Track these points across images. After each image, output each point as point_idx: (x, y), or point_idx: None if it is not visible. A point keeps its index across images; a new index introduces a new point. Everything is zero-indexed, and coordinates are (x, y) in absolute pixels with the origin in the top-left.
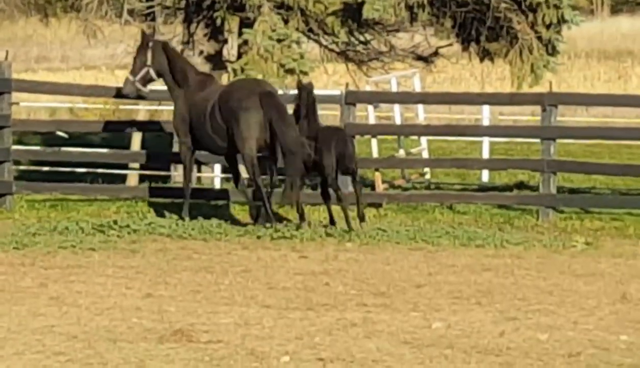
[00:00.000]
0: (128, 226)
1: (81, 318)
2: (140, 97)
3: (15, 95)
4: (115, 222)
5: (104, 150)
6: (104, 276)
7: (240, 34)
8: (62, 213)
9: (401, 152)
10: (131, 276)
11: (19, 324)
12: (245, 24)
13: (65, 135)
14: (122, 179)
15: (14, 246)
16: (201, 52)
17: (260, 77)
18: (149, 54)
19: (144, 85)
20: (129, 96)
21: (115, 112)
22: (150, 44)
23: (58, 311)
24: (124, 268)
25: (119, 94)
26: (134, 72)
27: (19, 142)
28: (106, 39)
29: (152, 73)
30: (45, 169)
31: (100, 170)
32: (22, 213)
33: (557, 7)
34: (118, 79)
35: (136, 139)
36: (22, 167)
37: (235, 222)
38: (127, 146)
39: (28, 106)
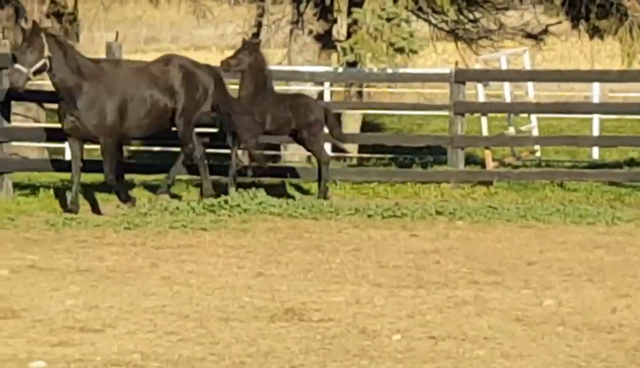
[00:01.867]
0: (239, 206)
1: (193, 298)
2: None
3: None
4: (226, 202)
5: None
6: (215, 256)
7: (349, 13)
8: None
9: (511, 130)
10: (242, 255)
11: (130, 304)
12: (355, 3)
13: None
14: None
15: (125, 226)
16: (310, 32)
17: (369, 55)
18: None
19: None
20: None
21: None
22: None
23: (169, 291)
24: (235, 248)
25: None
26: None
27: None
28: (215, 19)
29: None
30: (156, 149)
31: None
32: (133, 193)
33: None
34: None
35: None
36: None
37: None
38: None
39: None
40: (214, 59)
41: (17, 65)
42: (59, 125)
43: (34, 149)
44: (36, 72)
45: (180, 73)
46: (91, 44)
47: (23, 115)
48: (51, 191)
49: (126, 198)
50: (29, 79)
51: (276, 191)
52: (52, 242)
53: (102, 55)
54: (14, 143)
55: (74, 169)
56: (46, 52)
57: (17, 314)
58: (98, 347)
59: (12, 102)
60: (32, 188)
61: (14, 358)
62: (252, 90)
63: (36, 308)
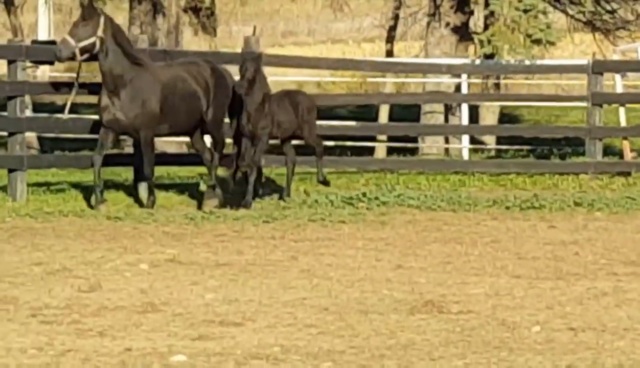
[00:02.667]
0: (377, 198)
1: (332, 291)
2: None
3: (264, 70)
4: (364, 194)
5: (352, 123)
6: (353, 248)
7: (486, 5)
8: (311, 186)
9: None
10: (381, 248)
11: (270, 297)
12: None
13: None
14: (370, 151)
15: (263, 220)
16: (447, 24)
17: (506, 47)
18: None
19: None
20: None
21: (362, 84)
22: None
23: (309, 283)
24: (374, 240)
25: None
26: None
27: None
28: (352, 12)
29: None
30: (295, 142)
31: (348, 143)
32: (271, 187)
33: None
34: (365, 51)
35: (384, 111)
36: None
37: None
38: (374, 118)
39: (276, 80)
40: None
41: (67, 36)
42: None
43: (172, 144)
44: (84, 50)
45: (214, 74)
46: (228, 38)
47: None
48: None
49: (154, 198)
50: (74, 54)
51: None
52: (191, 236)
53: (239, 50)
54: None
55: (97, 163)
56: (100, 32)
57: (157, 308)
58: (238, 341)
59: None
60: (171, 183)
61: (155, 352)
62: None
63: (176, 302)
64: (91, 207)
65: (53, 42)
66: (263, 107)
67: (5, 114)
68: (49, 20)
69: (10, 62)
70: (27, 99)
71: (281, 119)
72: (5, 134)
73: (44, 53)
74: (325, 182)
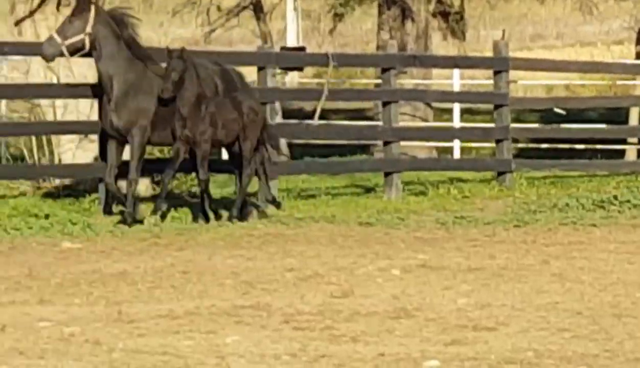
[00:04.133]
0: (628, 201)
1: (584, 294)
2: None
3: (512, 73)
4: (615, 198)
5: (602, 126)
6: (605, 252)
7: None
8: (562, 189)
9: None
10: (633, 251)
11: (522, 301)
12: None
13: (563, 112)
14: (621, 153)
15: (514, 224)
16: None
17: None
18: None
19: None
20: None
21: (612, 87)
22: None
23: (561, 287)
24: (626, 244)
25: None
26: None
27: (517, 120)
28: (601, 15)
29: None
30: (544, 146)
31: (598, 146)
32: (522, 190)
33: None
34: (614, 54)
35: (634, 113)
36: (520, 145)
37: None
38: (624, 121)
39: (524, 84)
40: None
41: (54, 33)
42: (446, 124)
43: (422, 148)
44: (74, 49)
45: (223, 75)
46: (477, 43)
47: (411, 115)
48: (440, 190)
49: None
50: (62, 53)
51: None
52: (442, 241)
53: (489, 53)
54: (402, 143)
55: (108, 175)
56: (88, 29)
57: (410, 313)
58: (491, 345)
59: (401, 102)
60: (422, 188)
61: (408, 357)
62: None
63: (428, 307)
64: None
65: (302, 48)
66: (199, 110)
67: None
68: (298, 27)
69: (260, 69)
70: (277, 105)
71: (223, 119)
72: None
73: (293, 59)
74: (275, 202)
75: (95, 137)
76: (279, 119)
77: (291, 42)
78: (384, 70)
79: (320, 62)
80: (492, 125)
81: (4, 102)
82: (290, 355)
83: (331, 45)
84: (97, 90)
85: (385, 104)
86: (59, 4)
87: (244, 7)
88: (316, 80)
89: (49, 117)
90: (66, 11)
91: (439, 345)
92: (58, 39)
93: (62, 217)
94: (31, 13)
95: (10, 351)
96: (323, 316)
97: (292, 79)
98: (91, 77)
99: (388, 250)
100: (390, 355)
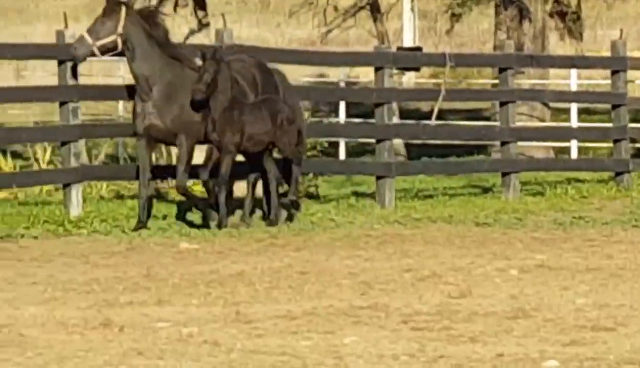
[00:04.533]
0: None
1: None
2: None
3: (630, 73)
4: None
5: None
6: None
7: None
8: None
9: None
10: None
11: None
12: None
13: None
14: None
15: (633, 224)
16: None
17: None
18: None
19: None
20: None
21: None
22: None
23: None
24: None
25: None
26: None
27: (635, 120)
28: None
29: None
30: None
31: None
32: (639, 191)
33: None
34: None
35: None
36: (638, 145)
37: None
38: None
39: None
40: None
41: (84, 33)
42: (564, 124)
43: (540, 148)
44: (105, 49)
45: (261, 70)
46: (594, 43)
47: (528, 115)
48: (558, 190)
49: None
50: (92, 53)
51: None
52: (560, 241)
53: (606, 53)
54: (520, 143)
55: (142, 179)
56: (120, 29)
57: (527, 314)
58: (610, 346)
59: (518, 102)
60: (539, 188)
61: (527, 357)
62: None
63: (547, 307)
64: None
65: (419, 49)
66: (231, 115)
67: (373, 121)
68: (414, 27)
69: (377, 69)
70: (394, 105)
71: (253, 130)
72: (373, 140)
73: (410, 60)
74: (295, 204)
75: None
76: (395, 120)
77: (408, 42)
78: (501, 70)
79: (437, 62)
80: (609, 125)
81: (121, 103)
82: (409, 355)
83: (448, 45)
84: (131, 92)
85: (502, 104)
86: (176, 5)
87: (361, 8)
88: (433, 81)
89: None
90: (184, 12)
91: (558, 345)
92: (89, 40)
93: (180, 217)
94: None
95: (129, 351)
96: (441, 316)
97: (409, 79)
98: None
99: (506, 251)
100: (509, 356)
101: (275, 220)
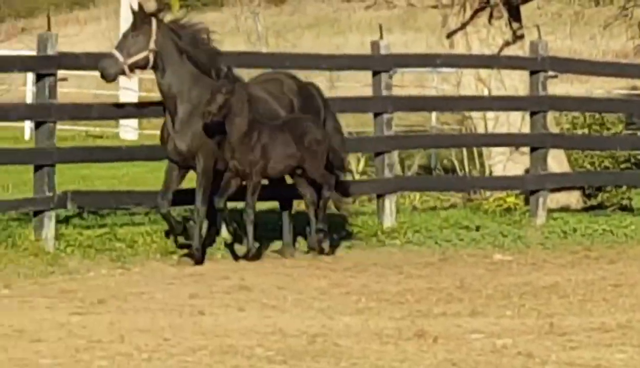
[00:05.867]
0: None
1: None
2: None
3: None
4: None
5: None
6: None
7: None
8: None
9: None
10: None
11: None
12: None
13: None
14: None
15: None
16: None
17: None
18: None
19: None
20: None
21: None
22: None
23: None
24: None
25: None
26: None
27: None
28: None
29: None
30: None
31: None
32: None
33: None
34: None
35: None
36: None
37: None
38: None
39: None
40: None
41: (114, 50)
42: None
43: None
44: (135, 66)
45: (300, 91)
46: None
47: None
48: None
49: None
50: (123, 71)
51: None
52: None
53: None
54: None
55: (161, 197)
56: (152, 45)
57: None
58: None
59: None
60: None
61: None
62: None
63: None
64: None
65: None
66: (249, 139)
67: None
68: None
69: None
70: None
71: (274, 153)
72: None
73: None
74: (324, 233)
75: (526, 149)
76: None
77: None
78: None
79: None
80: None
81: (434, 114)
82: None
83: None
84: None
85: None
86: (491, 16)
87: None
88: None
89: (480, 129)
90: (498, 23)
91: None
92: (120, 57)
93: (493, 229)
94: (463, 25)
95: (443, 362)
96: None
97: None
98: (522, 90)
99: None
100: None
101: (317, 245)
